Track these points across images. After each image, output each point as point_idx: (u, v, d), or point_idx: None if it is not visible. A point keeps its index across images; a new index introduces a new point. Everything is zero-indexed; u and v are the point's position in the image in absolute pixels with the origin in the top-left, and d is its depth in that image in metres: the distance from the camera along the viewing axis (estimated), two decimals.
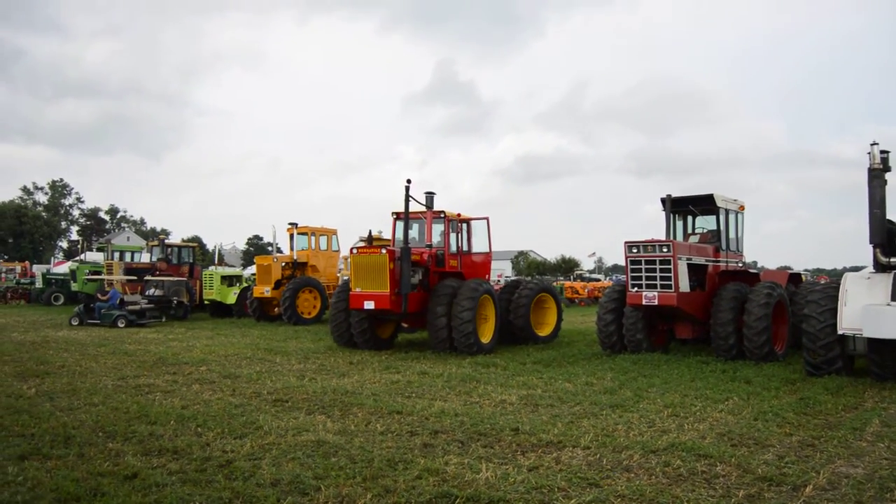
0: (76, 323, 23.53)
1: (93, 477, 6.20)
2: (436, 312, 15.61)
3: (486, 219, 18.21)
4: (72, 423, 8.34)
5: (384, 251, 15.49)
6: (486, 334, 16.44)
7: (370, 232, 18.90)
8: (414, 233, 17.82)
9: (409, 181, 15.35)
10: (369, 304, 15.50)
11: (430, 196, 16.47)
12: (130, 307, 24.44)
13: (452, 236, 17.50)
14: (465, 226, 17.92)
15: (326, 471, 6.43)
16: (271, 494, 5.75)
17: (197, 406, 9.51)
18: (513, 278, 20.26)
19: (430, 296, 16.04)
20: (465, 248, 17.86)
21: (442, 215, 17.23)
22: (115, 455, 6.97)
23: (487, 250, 18.48)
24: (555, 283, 48.49)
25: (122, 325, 23.13)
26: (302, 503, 5.62)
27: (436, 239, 17.45)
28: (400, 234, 17.51)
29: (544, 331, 18.82)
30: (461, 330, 15.34)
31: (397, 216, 17.73)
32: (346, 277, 20.46)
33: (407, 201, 15.36)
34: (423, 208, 16.55)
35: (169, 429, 8.10)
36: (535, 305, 18.78)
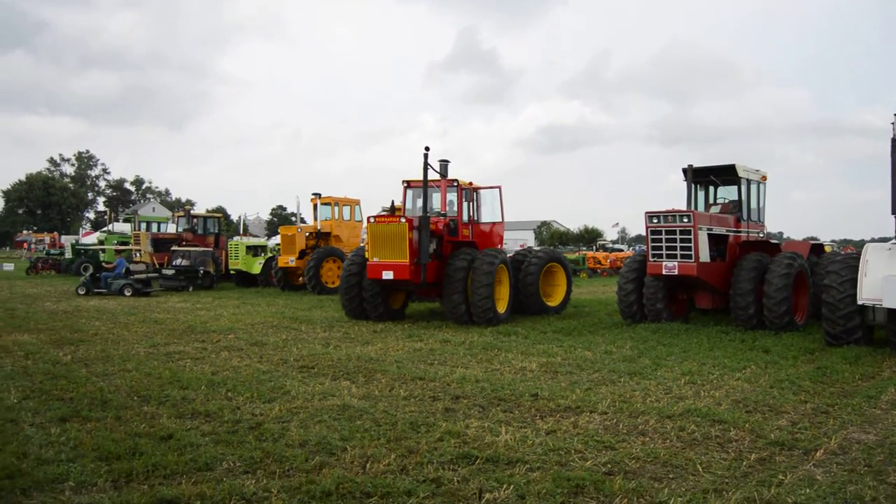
0: (83, 293, 23.91)
1: (130, 438, 6.52)
2: (453, 285, 15.50)
3: (499, 188, 18.08)
4: (108, 388, 8.70)
5: (403, 219, 15.33)
6: (502, 304, 16.57)
7: (392, 203, 18.83)
8: (435, 203, 17.69)
9: (427, 148, 15.21)
10: (388, 274, 15.32)
11: (444, 164, 16.40)
12: (137, 276, 24.84)
13: (465, 205, 17.36)
14: (475, 195, 17.77)
15: (352, 433, 6.70)
16: (300, 454, 6.03)
17: (226, 372, 9.85)
18: (537, 248, 19.74)
19: (444, 266, 15.92)
20: (475, 217, 17.75)
21: (455, 184, 17.08)
22: (151, 417, 7.30)
23: (500, 219, 18.32)
24: (577, 254, 48.55)
25: (128, 294, 23.54)
26: (329, 462, 5.89)
27: (449, 208, 17.35)
28: (410, 203, 17.64)
29: (554, 301, 18.78)
30: (479, 305, 15.33)
31: (408, 184, 17.60)
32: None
33: (426, 169, 15.24)
34: (438, 177, 16.48)
35: (200, 393, 8.42)
36: (545, 275, 18.68)
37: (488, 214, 18.25)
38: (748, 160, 16.01)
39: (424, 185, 15.52)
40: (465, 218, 17.39)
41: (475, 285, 15.36)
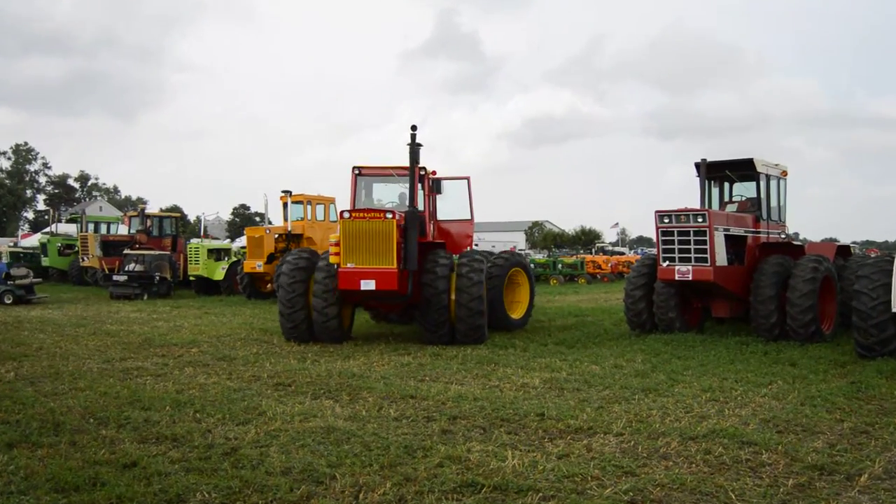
0: None
1: (89, 466, 6.38)
2: (437, 297, 14.09)
3: (467, 179, 17.35)
4: (59, 409, 8.55)
5: (390, 215, 13.92)
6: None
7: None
8: (390, 195, 16.94)
9: (414, 127, 14.16)
10: (368, 284, 13.68)
11: (411, 150, 14.69)
12: (18, 281, 24.42)
13: (429, 199, 16.50)
14: (438, 186, 16.77)
15: (340, 458, 6.60)
16: (283, 483, 5.92)
17: (192, 390, 9.71)
18: (525, 252, 19.08)
19: (417, 274, 14.33)
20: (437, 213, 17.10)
21: (423, 172, 15.98)
22: (111, 442, 7.16)
23: (469, 217, 17.41)
24: (575, 257, 48.67)
25: (8, 301, 23.23)
26: (317, 492, 5.79)
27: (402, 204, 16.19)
28: (364, 196, 16.63)
29: (517, 312, 17.49)
30: (469, 321, 14.12)
31: (359, 172, 16.34)
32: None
33: (414, 153, 14.25)
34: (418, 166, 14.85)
35: (165, 415, 8.28)
36: (507, 283, 17.22)
37: (455, 210, 17.50)
38: (754, 153, 15.93)
39: (411, 172, 14.49)
40: (437, 215, 16.87)
41: (464, 297, 14.12)
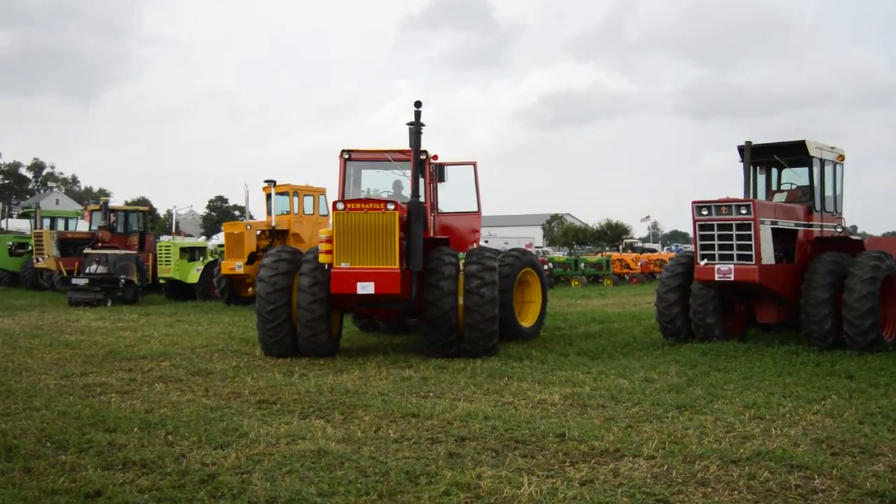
0: None
1: (47, 496, 6.43)
2: (443, 300, 13.86)
3: (473, 164, 17.37)
4: (12, 432, 8.59)
5: (391, 206, 13.78)
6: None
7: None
8: (383, 183, 16.85)
9: (418, 104, 13.96)
10: (366, 288, 13.47)
11: (414, 130, 14.62)
12: None
13: (432, 188, 16.45)
14: (441, 173, 16.71)
15: (333, 486, 6.65)
16: None
17: (164, 409, 9.77)
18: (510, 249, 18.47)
19: (421, 275, 14.16)
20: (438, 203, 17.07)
21: (422, 158, 15.69)
22: (71, 469, 7.21)
23: (475, 208, 17.41)
24: (600, 255, 48.70)
25: None
26: None
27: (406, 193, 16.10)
28: (353, 182, 16.56)
29: (528, 320, 17.43)
30: (482, 328, 13.96)
31: (350, 156, 16.18)
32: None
33: (417, 134, 14.14)
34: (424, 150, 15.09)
35: (132, 437, 8.33)
36: (517, 287, 17.06)
37: (459, 201, 17.42)
38: (804, 135, 15.90)
39: (415, 156, 14.28)
40: (439, 207, 16.91)
41: (474, 301, 13.96)
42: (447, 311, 13.93)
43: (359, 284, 13.53)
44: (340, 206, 13.87)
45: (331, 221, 14.00)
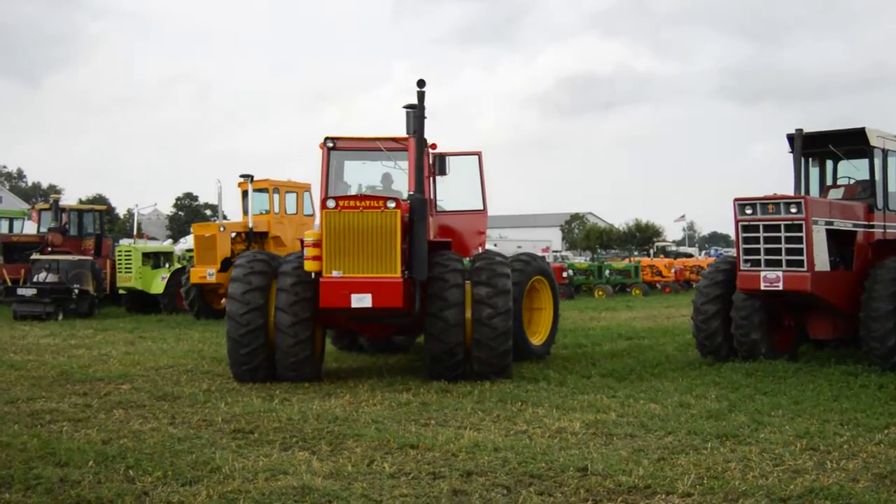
0: None
1: None
2: (448, 312, 13.60)
3: (478, 154, 17.20)
4: None
5: (392, 204, 13.51)
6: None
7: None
8: (369, 177, 16.68)
9: (422, 83, 13.88)
10: (362, 300, 13.17)
11: (416, 114, 14.40)
12: None
13: (430, 183, 16.16)
14: (442, 165, 16.29)
15: None
16: None
17: (124, 440, 9.75)
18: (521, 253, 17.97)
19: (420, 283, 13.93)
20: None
21: (424, 146, 15.21)
22: None
23: (481, 206, 17.22)
24: (627, 261, 48.72)
25: None
26: None
27: (399, 186, 16.09)
28: (336, 176, 16.36)
29: (538, 336, 17.15)
30: (494, 345, 13.75)
31: (334, 145, 16.00)
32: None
33: (422, 117, 13.95)
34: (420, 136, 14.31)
35: (87, 472, 8.30)
36: (525, 297, 16.74)
37: (461, 198, 17.29)
38: (866, 122, 15.83)
39: (418, 144, 14.09)
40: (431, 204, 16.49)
41: (485, 313, 13.72)
42: (454, 325, 13.66)
43: (353, 297, 13.23)
44: (331, 203, 13.53)
45: (318, 222, 13.87)
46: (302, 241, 14.49)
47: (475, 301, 13.87)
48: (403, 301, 13.33)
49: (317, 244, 13.47)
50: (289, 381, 13.82)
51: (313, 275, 13.52)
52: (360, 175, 16.82)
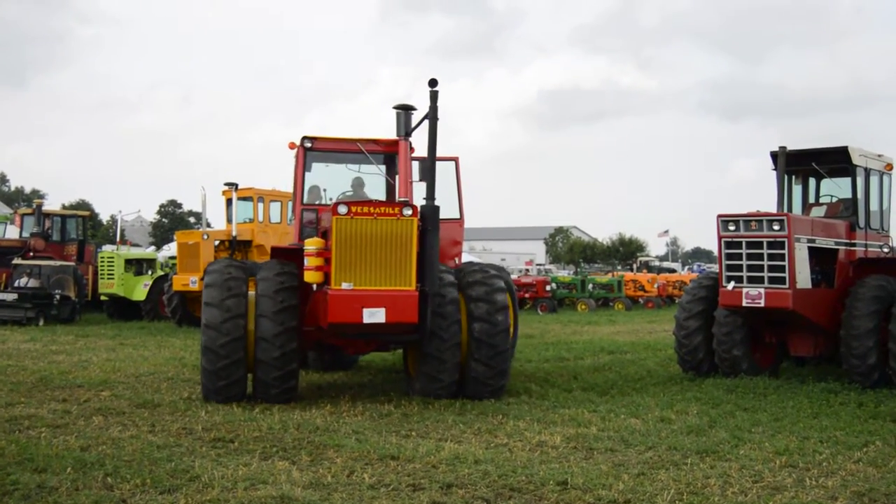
0: None
1: None
2: (447, 331, 12.99)
3: (455, 160, 16.35)
4: None
5: (409, 211, 12.59)
6: None
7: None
8: (336, 181, 16.04)
9: (433, 83, 13.02)
10: (376, 315, 12.25)
11: (408, 114, 14.00)
12: None
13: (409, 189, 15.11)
14: (426, 171, 14.87)
15: None
16: None
17: (103, 447, 9.72)
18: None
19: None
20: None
21: (394, 151, 15.05)
22: None
23: (458, 215, 16.37)
24: (611, 275, 48.84)
25: None
26: None
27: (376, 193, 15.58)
28: (312, 182, 15.85)
29: None
30: (494, 364, 13.15)
31: (312, 145, 15.32)
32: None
33: (433, 117, 13.10)
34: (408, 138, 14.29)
35: (65, 479, 8.27)
36: None
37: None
38: (848, 139, 15.95)
39: (431, 149, 13.21)
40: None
41: (487, 331, 13.14)
42: (453, 344, 13.11)
43: (365, 311, 12.25)
44: (343, 209, 12.44)
45: (330, 229, 12.71)
46: (274, 249, 14.24)
47: (473, 318, 13.28)
48: (418, 317, 12.54)
49: (320, 253, 12.59)
50: (268, 400, 12.83)
51: (315, 287, 12.87)
52: (331, 179, 16.12)
